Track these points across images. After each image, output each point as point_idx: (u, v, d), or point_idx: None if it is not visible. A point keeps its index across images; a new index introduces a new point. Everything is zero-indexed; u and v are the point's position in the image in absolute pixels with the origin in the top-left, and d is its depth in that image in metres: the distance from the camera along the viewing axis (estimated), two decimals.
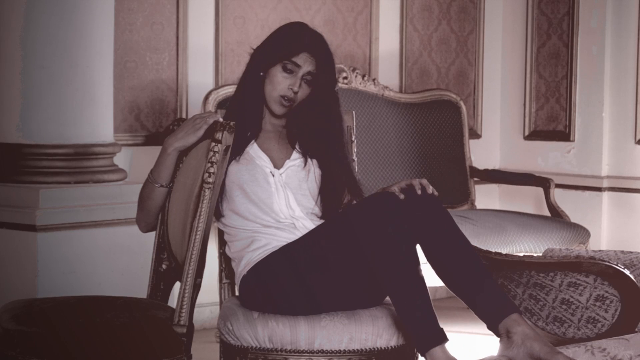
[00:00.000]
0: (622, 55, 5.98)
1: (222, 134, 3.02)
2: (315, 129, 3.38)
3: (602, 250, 4.18)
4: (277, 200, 3.30)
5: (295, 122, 3.40)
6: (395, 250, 3.02)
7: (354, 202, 3.38)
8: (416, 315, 3.00)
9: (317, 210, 3.36)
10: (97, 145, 4.41)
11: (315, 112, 3.37)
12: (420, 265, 3.07)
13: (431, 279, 3.09)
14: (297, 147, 3.39)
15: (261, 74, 3.34)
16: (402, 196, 3.16)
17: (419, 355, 3.05)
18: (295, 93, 3.31)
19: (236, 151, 3.27)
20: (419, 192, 3.18)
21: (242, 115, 3.32)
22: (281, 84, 3.31)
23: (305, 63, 3.31)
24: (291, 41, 3.32)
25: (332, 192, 3.37)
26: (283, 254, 3.21)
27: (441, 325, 3.01)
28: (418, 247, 3.13)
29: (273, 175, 3.32)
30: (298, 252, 3.18)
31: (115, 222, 4.33)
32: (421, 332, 3.00)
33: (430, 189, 3.19)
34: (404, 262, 3.01)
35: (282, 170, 3.34)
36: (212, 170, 3.00)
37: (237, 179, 3.29)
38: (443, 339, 2.99)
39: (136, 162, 5.03)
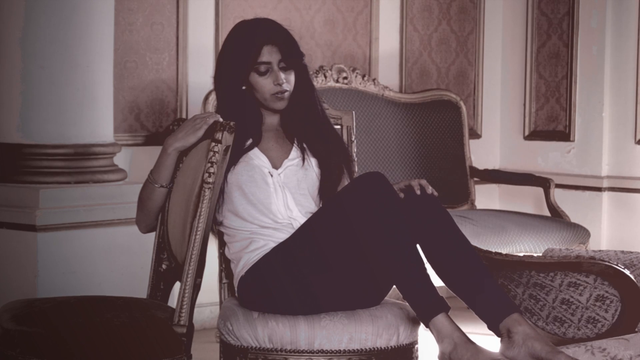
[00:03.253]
0: (622, 55, 5.98)
1: (222, 134, 3.02)
2: (303, 107, 3.36)
3: (602, 250, 4.18)
4: (276, 201, 3.29)
5: (288, 110, 3.38)
6: (386, 224, 3.02)
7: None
8: (415, 287, 3.01)
9: (316, 209, 3.35)
10: (97, 145, 4.41)
11: (297, 89, 3.35)
12: (415, 241, 3.07)
13: (431, 278, 3.09)
14: (295, 142, 3.38)
15: (243, 87, 3.32)
16: (401, 195, 3.16)
17: (424, 326, 3.05)
18: (284, 83, 3.30)
19: (234, 159, 3.26)
20: (418, 192, 3.18)
21: (243, 124, 3.28)
22: (266, 86, 3.30)
23: (271, 55, 3.28)
24: (246, 45, 3.28)
25: (331, 190, 3.37)
26: (279, 251, 3.21)
27: None
28: (418, 248, 3.14)
29: (271, 176, 3.31)
30: (294, 247, 3.18)
31: (115, 222, 4.33)
32: (421, 303, 3.01)
33: (430, 189, 3.19)
34: (395, 234, 3.02)
35: (280, 170, 3.33)
36: (212, 170, 3.00)
37: (236, 180, 3.28)
38: (444, 307, 3.00)
39: (136, 162, 5.03)
